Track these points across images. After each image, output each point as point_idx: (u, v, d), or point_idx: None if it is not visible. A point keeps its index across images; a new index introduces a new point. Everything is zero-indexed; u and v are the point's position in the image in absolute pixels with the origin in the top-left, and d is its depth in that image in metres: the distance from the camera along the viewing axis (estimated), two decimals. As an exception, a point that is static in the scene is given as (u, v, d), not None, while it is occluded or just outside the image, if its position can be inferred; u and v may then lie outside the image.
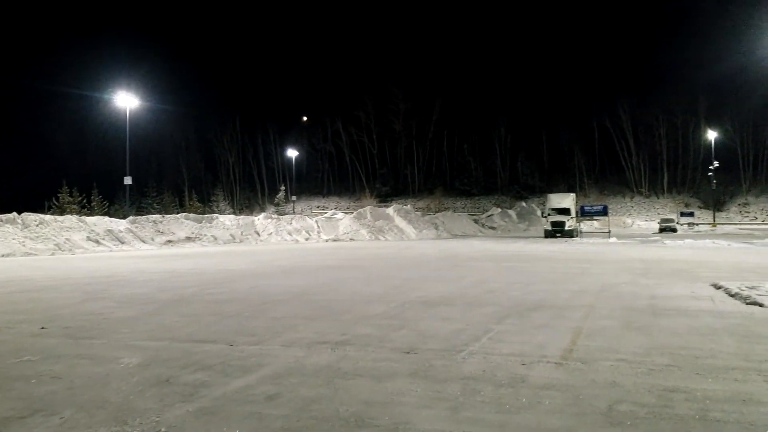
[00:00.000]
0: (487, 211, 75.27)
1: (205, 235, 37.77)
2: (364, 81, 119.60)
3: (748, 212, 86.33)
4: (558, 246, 29.95)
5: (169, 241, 35.31)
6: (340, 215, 55.57)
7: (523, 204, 75.35)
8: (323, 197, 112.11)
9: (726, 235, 42.41)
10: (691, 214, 71.97)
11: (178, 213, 45.59)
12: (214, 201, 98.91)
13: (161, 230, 36.18)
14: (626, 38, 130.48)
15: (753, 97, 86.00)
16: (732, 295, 10.36)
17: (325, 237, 42.23)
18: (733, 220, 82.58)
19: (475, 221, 60.85)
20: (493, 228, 59.31)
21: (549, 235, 41.92)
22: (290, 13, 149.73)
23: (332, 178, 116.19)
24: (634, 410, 4.33)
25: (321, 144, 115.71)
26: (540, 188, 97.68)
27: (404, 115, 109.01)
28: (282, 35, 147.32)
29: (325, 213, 66.32)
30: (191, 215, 41.22)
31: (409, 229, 45.32)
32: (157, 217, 38.63)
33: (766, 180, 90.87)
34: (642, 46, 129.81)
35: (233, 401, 4.67)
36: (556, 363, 5.75)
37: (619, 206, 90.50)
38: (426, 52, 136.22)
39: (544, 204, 52.78)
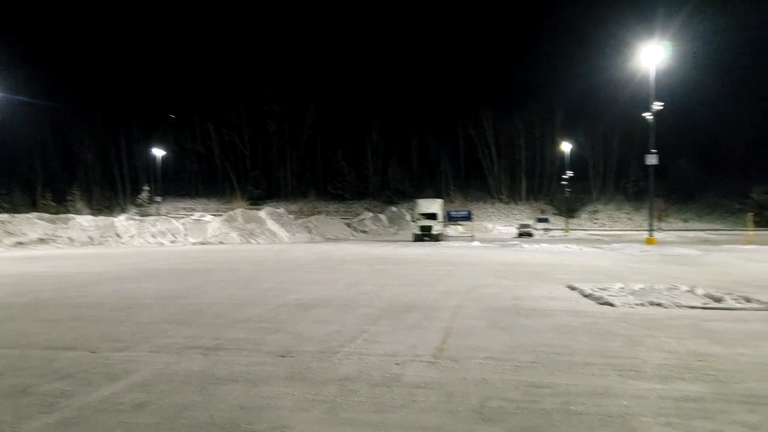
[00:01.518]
0: (359, 215, 76.08)
1: (60, 236, 35.23)
2: (236, 80, 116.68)
3: (597, 219, 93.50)
4: (426, 249, 30.84)
5: (20, 243, 32.60)
6: (208, 218, 53.91)
7: (394, 209, 76.90)
8: (191, 199, 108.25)
9: (578, 240, 45.62)
10: (547, 220, 76.79)
11: (29, 213, 42.20)
12: (71, 201, 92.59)
13: (10, 231, 33.33)
14: (492, 51, 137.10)
15: (603, 112, 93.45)
16: (586, 296, 11.13)
17: (192, 240, 40.76)
18: (583, 226, 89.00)
19: (348, 225, 61.35)
20: (365, 232, 60.07)
21: (418, 239, 43.07)
22: (159, 5, 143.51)
23: (201, 179, 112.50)
24: (503, 406, 4.53)
25: (189, 144, 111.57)
26: (409, 193, 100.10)
27: (278, 116, 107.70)
28: (149, 28, 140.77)
29: (193, 215, 64.09)
30: (45, 215, 38.30)
31: (282, 233, 44.85)
32: (5, 216, 35.53)
33: (613, 189, 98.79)
34: (506, 59, 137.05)
35: (98, 411, 4.38)
36: (428, 362, 5.90)
37: (481, 212, 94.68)
38: (301, 55, 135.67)
39: (413, 209, 54.15)
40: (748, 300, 10.27)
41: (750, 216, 51.16)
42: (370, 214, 70.78)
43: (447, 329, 7.70)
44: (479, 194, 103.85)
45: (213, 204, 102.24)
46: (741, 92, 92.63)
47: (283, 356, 6.15)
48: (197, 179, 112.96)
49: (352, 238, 51.55)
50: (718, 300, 10.33)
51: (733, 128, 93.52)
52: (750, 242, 35.65)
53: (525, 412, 4.37)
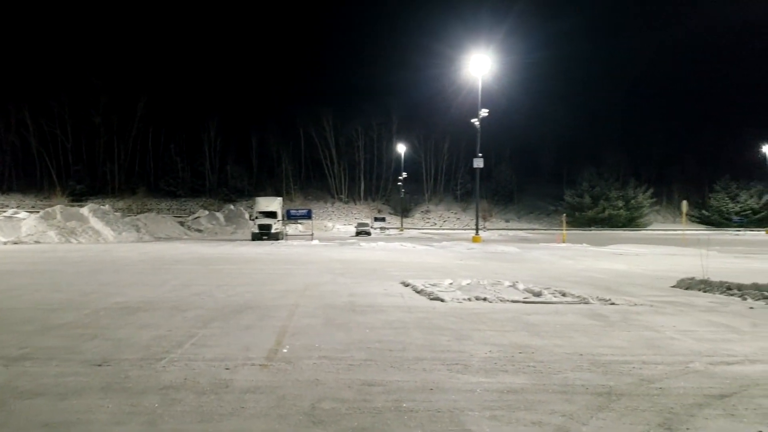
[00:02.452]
0: (194, 213, 73.14)
1: None
2: (58, 68, 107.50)
3: (429, 218, 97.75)
4: (265, 248, 30.30)
5: None
6: (23, 214, 49.09)
7: (232, 207, 74.82)
8: (3, 194, 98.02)
9: (412, 239, 47.27)
10: (383, 219, 79.04)
11: None
12: None
13: None
14: (334, 53, 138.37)
15: (435, 118, 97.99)
16: (418, 292, 11.45)
17: (3, 239, 36.84)
18: (417, 225, 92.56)
19: (181, 224, 58.69)
20: (200, 231, 57.81)
21: (256, 237, 42.23)
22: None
23: (15, 173, 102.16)
24: (336, 407, 4.44)
25: (2, 134, 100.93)
26: (248, 191, 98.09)
27: (105, 108, 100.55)
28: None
29: (5, 212, 58.03)
30: None
31: (107, 231, 41.87)
32: None
33: (443, 190, 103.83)
34: (347, 62, 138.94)
35: None
36: (260, 365, 5.69)
37: (321, 211, 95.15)
38: (131, 45, 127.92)
39: (252, 207, 53.05)
40: (563, 294, 11.11)
41: (563, 217, 55.97)
42: (206, 212, 68.31)
43: (283, 329, 7.52)
44: (319, 193, 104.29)
45: (29, 200, 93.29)
46: (554, 103, 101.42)
47: (99, 365, 5.63)
48: (11, 173, 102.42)
49: (185, 237, 49.39)
50: (537, 294, 11.07)
51: (548, 136, 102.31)
52: (563, 241, 38.97)
53: (357, 413, 4.31)
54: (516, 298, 10.70)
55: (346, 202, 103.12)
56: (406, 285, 12.59)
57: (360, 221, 70.95)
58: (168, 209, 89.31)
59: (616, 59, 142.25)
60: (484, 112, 38.78)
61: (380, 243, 35.30)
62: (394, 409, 4.39)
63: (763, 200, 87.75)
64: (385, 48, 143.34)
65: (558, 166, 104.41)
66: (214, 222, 63.43)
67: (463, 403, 4.57)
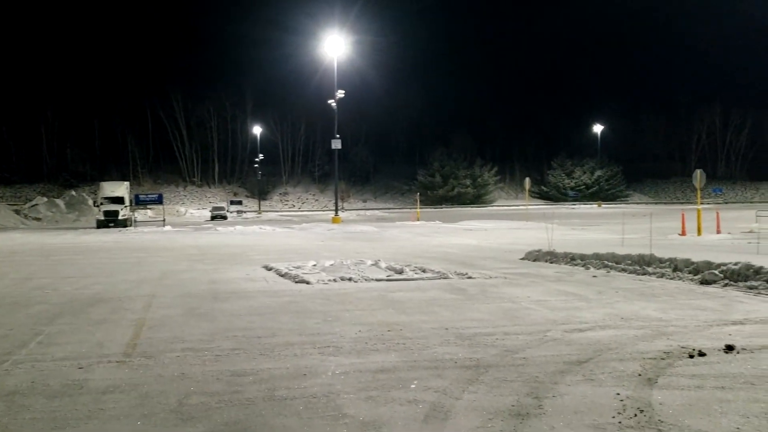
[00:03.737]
0: (31, 200, 67.19)
1: None
2: None
3: (288, 200, 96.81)
4: (112, 236, 28.47)
5: None
6: None
7: (73, 193, 69.48)
8: None
9: (271, 221, 46.60)
10: (240, 203, 76.98)
11: None
12: None
13: None
14: (180, 32, 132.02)
15: (291, 98, 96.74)
16: (282, 275, 11.26)
17: None
18: (275, 207, 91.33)
19: (17, 212, 53.73)
20: (38, 219, 53.20)
21: (102, 225, 39.58)
22: None
23: None
24: (205, 401, 4.21)
25: None
26: (92, 176, 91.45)
27: None
28: None
29: None
30: None
31: (-76, 222, 37.39)
32: None
33: (301, 172, 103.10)
34: (196, 41, 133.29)
35: None
36: (118, 361, 5.30)
37: (173, 195, 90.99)
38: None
39: (96, 193, 49.65)
40: (424, 270, 11.40)
41: (417, 195, 57.71)
42: (45, 200, 63.02)
43: (139, 321, 7.06)
44: (170, 177, 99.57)
45: None
46: (407, 85, 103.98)
47: (-75, 375, 4.96)
48: None
49: (22, 226, 45.30)
50: (399, 272, 11.27)
51: (401, 118, 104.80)
52: (418, 219, 40.17)
53: (228, 405, 4.12)
54: (380, 276, 10.84)
55: (200, 186, 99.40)
56: (269, 269, 12.34)
57: (215, 205, 68.80)
58: (1, 197, 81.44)
59: (459, 43, 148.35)
60: (340, 93, 38.84)
61: (238, 227, 34.42)
62: (268, 399, 4.25)
63: (595, 176, 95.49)
64: (238, 26, 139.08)
65: (411, 146, 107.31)
66: (54, 209, 58.71)
67: (338, 386, 4.51)
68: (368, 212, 68.61)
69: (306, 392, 4.37)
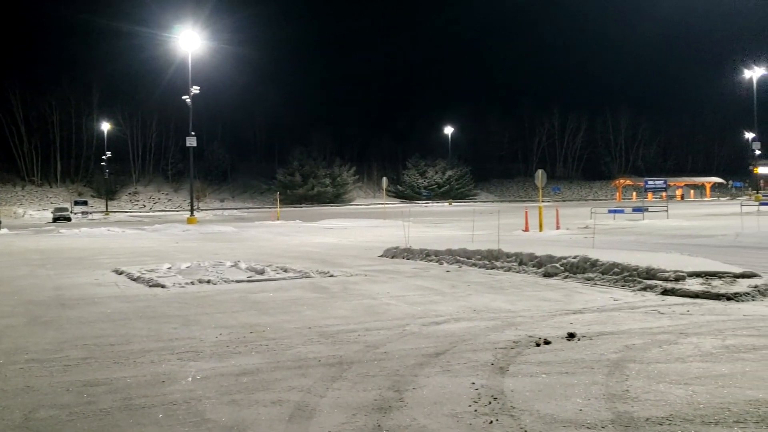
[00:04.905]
0: None
1: None
2: None
3: (138, 200, 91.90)
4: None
5: None
6: None
7: None
8: None
9: (119, 223, 44.11)
10: (85, 203, 72.04)
11: None
12: None
13: None
14: (20, 22, 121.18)
15: (142, 93, 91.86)
16: (134, 279, 10.73)
17: None
18: (124, 208, 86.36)
19: None
20: None
21: None
22: None
23: None
24: (55, 414, 3.95)
25: None
26: None
27: None
28: None
29: None
30: None
31: None
32: None
33: (153, 171, 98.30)
34: (36, 31, 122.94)
35: None
36: (-51, 379, 4.81)
37: (9, 196, 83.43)
38: None
39: None
40: (285, 270, 11.34)
41: (276, 195, 57.11)
42: None
43: (-29, 335, 6.44)
44: (6, 176, 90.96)
45: None
46: (265, 83, 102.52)
47: None
48: None
49: None
50: (260, 272, 11.13)
51: (259, 116, 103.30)
52: (278, 218, 39.80)
53: (81, 418, 3.88)
54: (240, 277, 10.65)
55: (40, 185, 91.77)
56: (120, 273, 11.71)
57: (58, 206, 63.93)
58: None
59: (317, 43, 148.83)
60: (195, 89, 37.54)
61: (84, 229, 32.22)
62: (124, 408, 4.05)
63: (446, 175, 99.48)
64: (83, 16, 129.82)
65: (270, 145, 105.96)
66: None
67: (199, 391, 4.39)
68: (226, 212, 66.88)
69: (165, 399, 4.22)
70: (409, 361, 5.07)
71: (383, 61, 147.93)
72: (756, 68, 58.20)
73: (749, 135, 72.20)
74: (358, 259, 13.98)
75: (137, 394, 4.34)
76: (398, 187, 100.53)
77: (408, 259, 13.50)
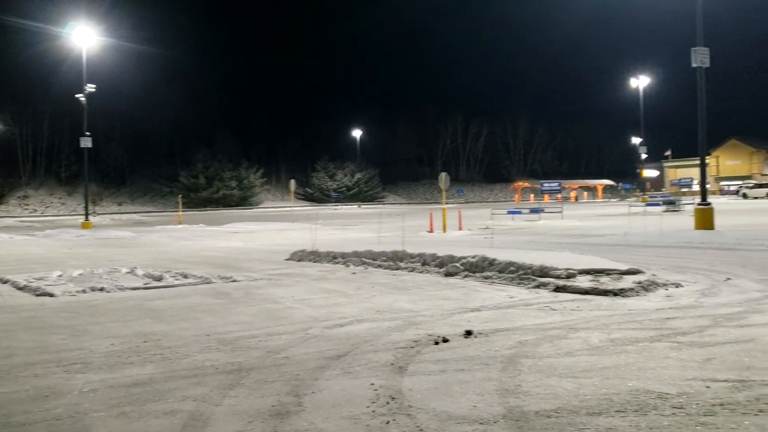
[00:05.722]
0: None
1: None
2: None
3: (28, 205, 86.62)
4: None
5: None
6: None
7: None
8: None
9: (7, 228, 41.38)
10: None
11: None
12: None
13: None
14: None
15: (32, 92, 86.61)
16: (20, 288, 10.11)
17: None
18: (13, 213, 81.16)
19: None
20: None
21: None
22: None
23: None
24: None
25: None
26: None
27: None
28: None
29: None
30: None
31: None
32: None
33: (45, 173, 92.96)
34: None
35: None
36: None
37: None
38: None
39: None
40: (185, 276, 11.01)
41: (179, 198, 55.41)
42: None
43: None
44: None
45: None
46: (167, 82, 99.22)
47: None
48: None
49: None
50: (158, 279, 10.75)
51: (161, 116, 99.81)
52: (180, 222, 38.60)
53: (-48, 439, 3.61)
54: (136, 284, 10.24)
55: None
56: (5, 282, 10.99)
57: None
58: None
59: (222, 43, 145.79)
60: (90, 88, 35.81)
61: (-36, 235, 29.99)
62: (3, 426, 3.80)
63: (355, 178, 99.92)
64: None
65: (172, 147, 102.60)
66: None
67: (86, 405, 4.18)
68: (125, 216, 64.15)
69: (48, 415, 3.99)
70: (309, 365, 5.04)
71: (293, 63, 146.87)
72: (642, 77, 61.92)
73: (636, 140, 76.63)
74: (263, 263, 13.78)
75: (17, 411, 4.08)
76: (307, 189, 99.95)
77: (315, 261, 13.44)
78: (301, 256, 14.04)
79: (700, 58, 18.06)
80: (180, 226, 35.63)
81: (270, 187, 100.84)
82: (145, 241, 23.79)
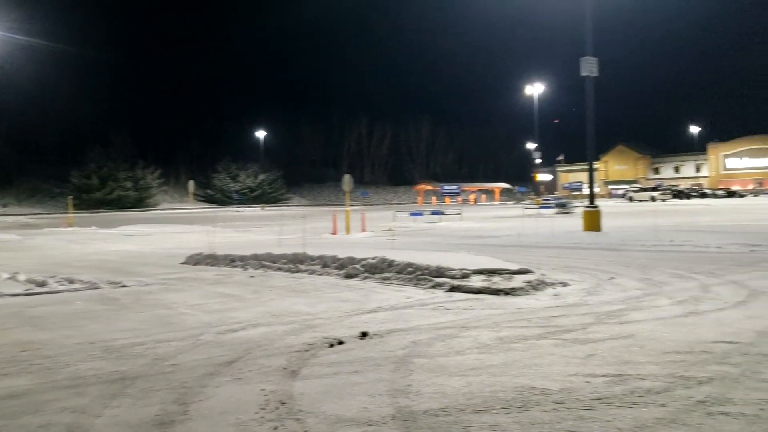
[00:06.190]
0: None
1: None
2: None
3: None
4: None
5: None
6: None
7: None
8: None
9: None
10: None
11: None
12: None
13: None
14: None
15: None
16: None
17: None
18: None
19: None
20: None
21: None
22: None
23: None
24: None
25: None
26: None
27: None
28: None
29: None
30: None
31: None
32: None
33: None
34: None
35: None
36: None
37: None
38: None
39: None
40: (71, 281, 10.44)
41: (70, 199, 52.56)
42: None
43: None
44: None
45: None
46: (60, 80, 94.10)
47: None
48: None
49: None
50: (41, 284, 10.14)
51: (51, 115, 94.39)
52: (71, 224, 36.62)
53: None
54: (16, 291, 9.61)
55: None
56: None
57: None
58: None
59: (119, 40, 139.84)
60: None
61: None
62: None
63: (259, 179, 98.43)
64: None
65: (64, 146, 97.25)
66: None
67: (-49, 422, 3.89)
68: (10, 219, 60.10)
69: None
70: (198, 372, 4.91)
71: (197, 63, 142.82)
72: (537, 85, 64.54)
73: (531, 145, 79.86)
74: (157, 267, 13.30)
75: None
76: (208, 191, 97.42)
77: (212, 265, 13.10)
78: (197, 260, 13.65)
79: (589, 67, 19.01)
80: (70, 228, 33.79)
81: (168, 188, 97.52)
82: (32, 244, 22.41)
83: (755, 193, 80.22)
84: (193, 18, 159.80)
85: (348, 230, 23.05)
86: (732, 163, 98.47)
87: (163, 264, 13.85)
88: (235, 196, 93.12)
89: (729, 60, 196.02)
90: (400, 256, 10.41)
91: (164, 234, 26.84)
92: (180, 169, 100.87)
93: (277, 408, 4.00)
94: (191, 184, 44.98)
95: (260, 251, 13.09)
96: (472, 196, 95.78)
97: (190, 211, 54.90)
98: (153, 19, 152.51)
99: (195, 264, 13.50)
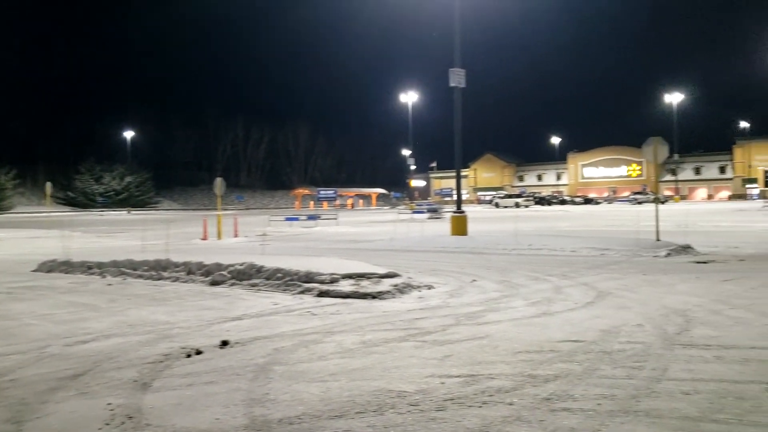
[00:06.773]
0: None
1: None
2: None
3: None
4: None
5: None
6: None
7: None
8: None
9: None
10: None
11: None
12: None
13: None
14: None
15: None
16: None
17: None
18: None
19: None
20: None
21: None
22: None
23: None
24: None
25: None
26: None
27: None
28: None
29: None
30: None
31: None
32: None
33: None
34: None
35: None
36: None
37: None
38: None
39: None
40: None
41: None
42: None
43: None
44: None
45: None
46: None
47: None
48: None
49: None
50: None
51: None
52: None
53: None
54: None
55: None
56: None
57: None
58: None
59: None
60: None
61: None
62: None
63: (125, 182, 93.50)
64: None
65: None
66: None
67: None
68: None
69: None
70: (40, 387, 4.55)
71: (59, 60, 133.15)
72: (411, 93, 66.17)
73: (406, 152, 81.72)
74: (5, 275, 12.26)
75: None
76: (69, 193, 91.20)
77: (67, 273, 12.26)
78: (51, 267, 12.73)
79: (457, 78, 19.69)
80: None
81: (25, 190, 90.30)
82: None
83: (609, 200, 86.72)
84: (63, 14, 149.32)
85: (219, 235, 22.45)
86: (589, 172, 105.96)
87: (11, 271, 12.80)
88: (99, 198, 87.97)
89: (586, 73, 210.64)
90: (270, 262, 10.25)
91: (16, 239, 24.81)
92: (39, 170, 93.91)
93: (122, 423, 3.79)
94: (48, 185, 42.04)
95: (121, 258, 12.42)
96: (349, 201, 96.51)
97: (48, 214, 51.21)
98: (9, 11, 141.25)
99: (48, 271, 12.58)
